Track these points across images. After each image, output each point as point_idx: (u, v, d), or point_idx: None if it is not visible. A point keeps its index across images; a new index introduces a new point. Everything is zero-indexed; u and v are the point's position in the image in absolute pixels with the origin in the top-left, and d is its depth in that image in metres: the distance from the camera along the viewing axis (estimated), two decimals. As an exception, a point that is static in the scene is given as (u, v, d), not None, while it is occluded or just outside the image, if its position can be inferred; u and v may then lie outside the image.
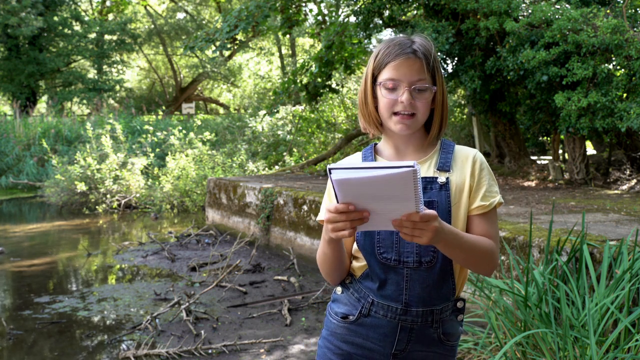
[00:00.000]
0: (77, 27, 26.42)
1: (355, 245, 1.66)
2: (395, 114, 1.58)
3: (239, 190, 8.28)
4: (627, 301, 2.87)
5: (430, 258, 1.56)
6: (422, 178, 1.58)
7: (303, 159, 13.74)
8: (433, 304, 1.58)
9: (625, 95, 6.56)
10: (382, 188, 1.29)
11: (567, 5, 6.97)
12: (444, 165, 1.61)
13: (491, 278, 3.34)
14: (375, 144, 1.72)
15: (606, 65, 6.46)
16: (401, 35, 1.65)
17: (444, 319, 1.61)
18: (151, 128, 15.48)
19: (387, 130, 1.65)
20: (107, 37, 27.30)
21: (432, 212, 1.34)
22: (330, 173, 1.30)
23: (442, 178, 1.58)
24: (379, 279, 1.60)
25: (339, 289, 1.69)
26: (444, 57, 8.38)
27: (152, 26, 30.76)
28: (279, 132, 14.86)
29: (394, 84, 1.56)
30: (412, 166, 1.24)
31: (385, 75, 1.57)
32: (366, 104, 1.64)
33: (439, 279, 1.58)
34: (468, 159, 1.62)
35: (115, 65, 28.07)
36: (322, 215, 1.58)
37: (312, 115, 14.51)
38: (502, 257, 3.98)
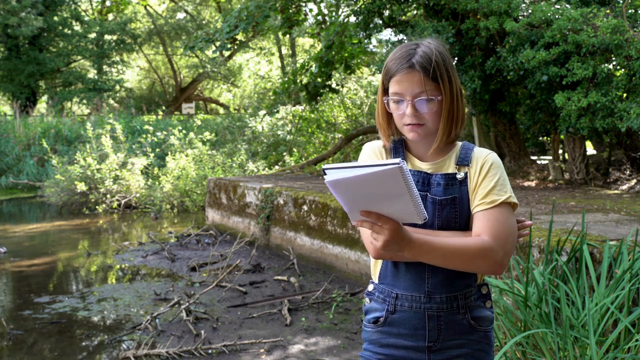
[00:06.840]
0: (77, 27, 26.41)
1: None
2: (407, 124, 1.63)
3: (239, 190, 8.28)
4: (627, 301, 2.87)
5: None
6: (443, 175, 1.63)
7: (303, 159, 13.73)
8: (455, 289, 1.60)
9: (625, 95, 6.56)
10: (374, 187, 1.30)
11: (567, 5, 6.97)
12: (464, 160, 1.65)
13: (491, 278, 3.34)
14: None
15: (606, 65, 6.46)
16: (408, 43, 1.66)
17: (470, 305, 1.62)
18: (151, 128, 15.48)
19: None
20: (107, 37, 27.30)
21: (395, 222, 1.39)
22: (324, 174, 1.31)
23: (460, 174, 1.63)
24: (400, 271, 1.63)
25: (367, 300, 1.73)
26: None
27: (152, 26, 30.74)
28: (279, 132, 14.86)
29: (398, 97, 1.62)
30: (398, 163, 1.25)
31: (392, 88, 1.63)
32: (378, 114, 1.71)
33: None
34: (480, 159, 1.65)
35: (115, 65, 28.08)
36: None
37: (312, 115, 14.51)
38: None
